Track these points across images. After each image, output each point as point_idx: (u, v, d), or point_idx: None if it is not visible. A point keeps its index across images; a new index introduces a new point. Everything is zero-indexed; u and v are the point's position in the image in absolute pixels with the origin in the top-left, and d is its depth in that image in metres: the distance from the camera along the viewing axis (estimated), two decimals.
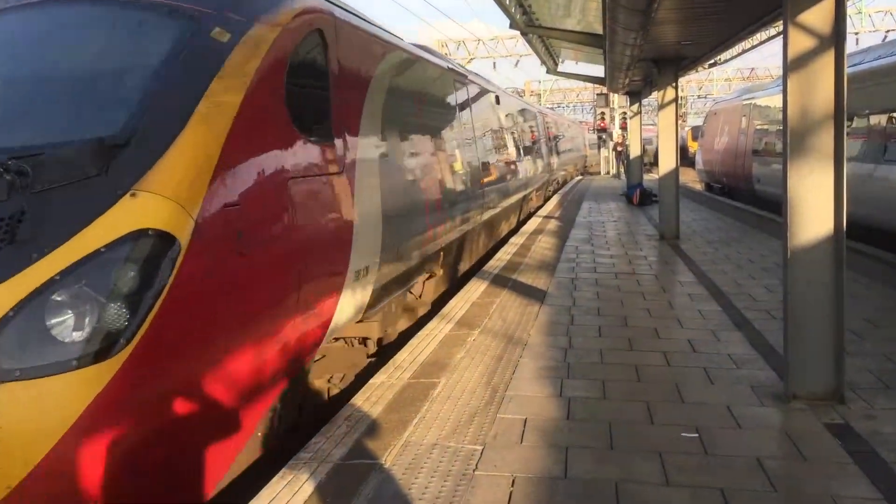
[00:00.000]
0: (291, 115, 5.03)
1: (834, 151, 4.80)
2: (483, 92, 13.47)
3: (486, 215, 12.34)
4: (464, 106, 11.62)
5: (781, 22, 5.24)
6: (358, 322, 6.46)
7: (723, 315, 7.49)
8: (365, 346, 6.86)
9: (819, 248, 4.88)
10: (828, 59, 4.77)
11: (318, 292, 5.19)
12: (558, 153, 29.81)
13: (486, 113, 13.45)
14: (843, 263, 4.85)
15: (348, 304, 5.80)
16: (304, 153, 5.12)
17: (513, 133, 16.92)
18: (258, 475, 5.07)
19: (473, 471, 4.05)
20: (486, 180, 12.20)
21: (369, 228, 6.13)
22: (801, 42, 4.80)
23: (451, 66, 11.47)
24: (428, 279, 9.13)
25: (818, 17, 4.76)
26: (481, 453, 4.28)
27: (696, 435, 4.48)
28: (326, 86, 5.68)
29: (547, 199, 24.63)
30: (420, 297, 8.95)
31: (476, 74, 14.42)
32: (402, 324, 8.10)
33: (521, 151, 17.81)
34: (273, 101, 4.85)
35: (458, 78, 11.47)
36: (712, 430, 4.55)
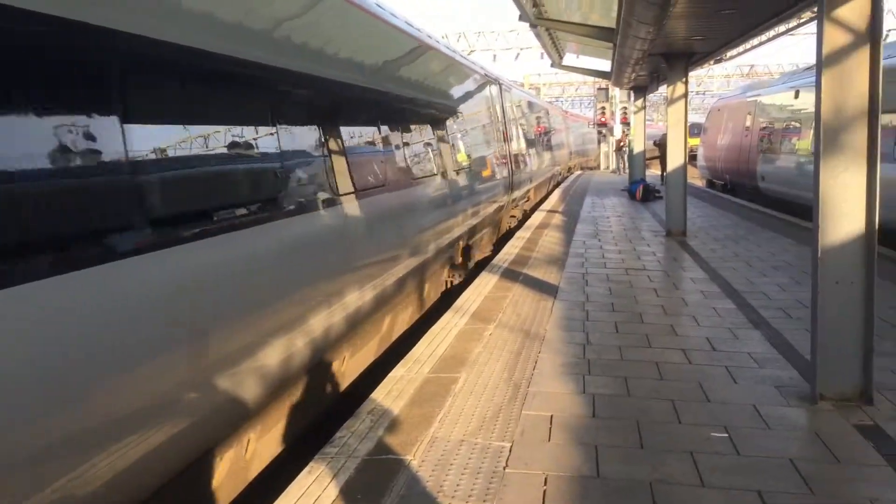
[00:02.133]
0: None
1: (867, 150, 4.74)
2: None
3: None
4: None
5: (796, 21, 5.17)
6: None
7: (738, 313, 7.43)
8: None
9: (850, 246, 4.82)
10: (863, 56, 4.70)
11: None
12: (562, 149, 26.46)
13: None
14: (874, 263, 4.79)
15: None
16: None
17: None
18: (275, 472, 5.01)
19: (504, 468, 3.99)
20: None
21: None
22: (836, 38, 4.73)
23: None
24: None
25: (854, 12, 4.68)
26: (510, 450, 4.21)
27: (726, 435, 4.42)
28: None
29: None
30: None
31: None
32: None
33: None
34: None
35: None
36: (741, 431, 4.49)
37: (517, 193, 15.62)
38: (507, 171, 14.23)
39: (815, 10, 5.63)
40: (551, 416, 4.72)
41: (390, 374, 5.57)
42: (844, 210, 4.79)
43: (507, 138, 14.93)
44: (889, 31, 36.52)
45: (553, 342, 6.44)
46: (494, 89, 14.69)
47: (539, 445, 4.29)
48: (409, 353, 6.12)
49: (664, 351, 6.16)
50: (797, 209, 16.46)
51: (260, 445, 4.84)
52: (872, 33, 4.68)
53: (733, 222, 15.43)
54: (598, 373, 5.61)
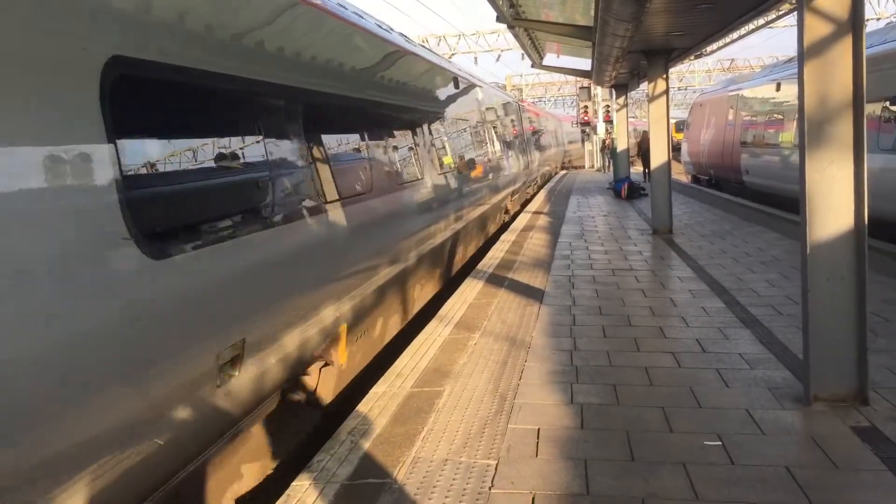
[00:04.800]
0: None
1: (853, 141, 4.59)
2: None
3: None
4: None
5: (775, 13, 5.04)
6: None
7: (728, 312, 7.29)
8: None
9: (840, 242, 4.67)
10: (846, 46, 4.55)
11: None
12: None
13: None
14: (865, 258, 4.64)
15: None
16: None
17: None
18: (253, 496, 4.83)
19: (490, 489, 3.81)
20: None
21: None
22: (817, 28, 4.58)
23: None
24: None
25: (835, 1, 4.54)
26: (496, 468, 4.03)
27: (720, 443, 4.26)
28: None
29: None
30: None
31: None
32: None
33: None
34: None
35: None
36: (735, 437, 4.33)
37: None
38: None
39: (794, 1, 5.50)
40: (538, 430, 4.54)
41: (372, 391, 5.38)
42: (832, 205, 4.64)
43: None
44: (868, 20, 36.69)
45: (539, 349, 6.27)
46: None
47: (526, 462, 4.11)
48: (392, 366, 5.93)
49: (653, 355, 6.00)
50: (782, 202, 16.38)
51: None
52: (854, 22, 4.53)
53: (719, 217, 15.32)
54: (587, 381, 5.44)
